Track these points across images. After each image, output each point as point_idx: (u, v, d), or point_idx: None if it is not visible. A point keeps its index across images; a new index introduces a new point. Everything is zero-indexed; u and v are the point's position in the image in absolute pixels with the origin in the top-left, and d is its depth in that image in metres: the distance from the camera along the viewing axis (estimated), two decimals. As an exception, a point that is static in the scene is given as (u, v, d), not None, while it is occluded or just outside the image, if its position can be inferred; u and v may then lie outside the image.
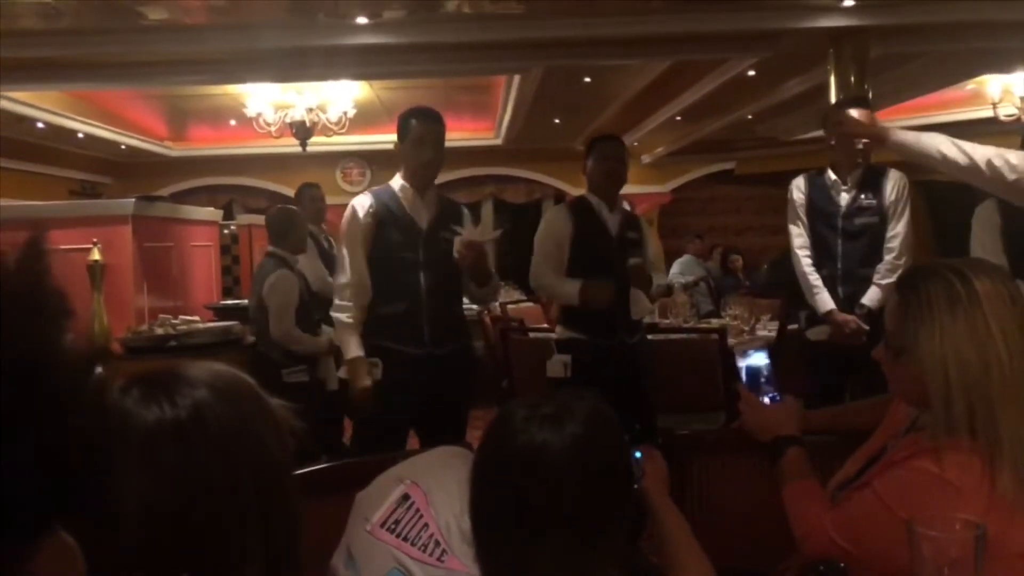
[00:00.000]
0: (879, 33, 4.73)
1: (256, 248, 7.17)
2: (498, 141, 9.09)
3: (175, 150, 9.21)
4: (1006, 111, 6.92)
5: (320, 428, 3.93)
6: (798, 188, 3.54)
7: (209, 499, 0.77)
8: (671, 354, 4.14)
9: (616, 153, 3.57)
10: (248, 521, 0.79)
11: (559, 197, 9.88)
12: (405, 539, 1.38)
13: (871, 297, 3.34)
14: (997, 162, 2.28)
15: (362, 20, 4.46)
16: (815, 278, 3.44)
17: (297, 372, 4.15)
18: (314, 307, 4.28)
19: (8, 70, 4.57)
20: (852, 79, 4.76)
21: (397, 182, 3.11)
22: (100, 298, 4.42)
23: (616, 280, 3.40)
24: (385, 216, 3.05)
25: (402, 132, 3.08)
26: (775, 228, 9.81)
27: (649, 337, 4.00)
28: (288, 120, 6.58)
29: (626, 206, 3.77)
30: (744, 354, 1.41)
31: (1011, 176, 2.27)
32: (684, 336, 4.59)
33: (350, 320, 3.04)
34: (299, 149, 6.91)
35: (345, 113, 6.66)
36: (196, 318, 4.97)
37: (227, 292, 7.05)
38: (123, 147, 8.40)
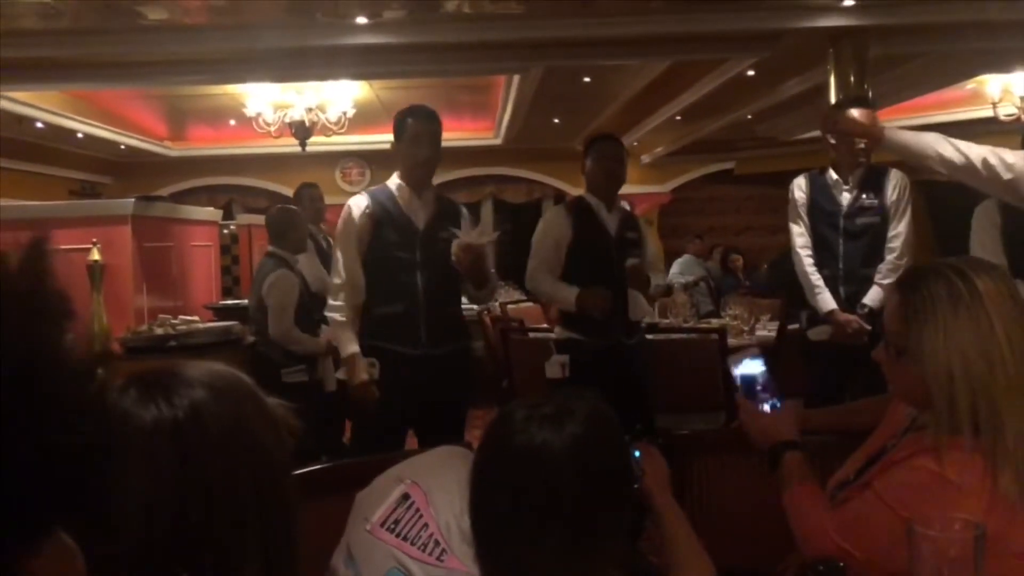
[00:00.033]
0: (879, 33, 4.72)
1: (256, 248, 7.17)
2: (498, 141, 9.09)
3: (175, 150, 9.20)
4: (1006, 111, 6.92)
5: (319, 428, 3.92)
6: (799, 188, 3.54)
7: (207, 499, 0.77)
8: (671, 354, 4.14)
9: (614, 153, 3.57)
10: (246, 521, 0.79)
11: (559, 197, 9.88)
12: (405, 539, 1.38)
13: (872, 297, 3.34)
14: (993, 160, 2.28)
15: (362, 20, 4.46)
16: (816, 278, 3.43)
17: (296, 372, 4.15)
18: (313, 307, 4.28)
19: (8, 70, 4.56)
20: (852, 79, 4.75)
21: (394, 182, 3.10)
22: (100, 298, 4.42)
23: (614, 281, 3.40)
24: (381, 216, 3.04)
25: (398, 131, 3.07)
26: (775, 228, 9.83)
27: (649, 337, 4.00)
28: (287, 120, 6.58)
29: (625, 206, 3.77)
30: (737, 362, 1.39)
31: (1007, 175, 2.27)
32: (684, 336, 4.59)
33: (343, 318, 3.04)
34: (299, 149, 6.91)
35: (344, 113, 6.66)
36: (196, 318, 4.97)
37: (227, 292, 7.05)
38: (123, 147, 8.40)
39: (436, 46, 4.86)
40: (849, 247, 3.42)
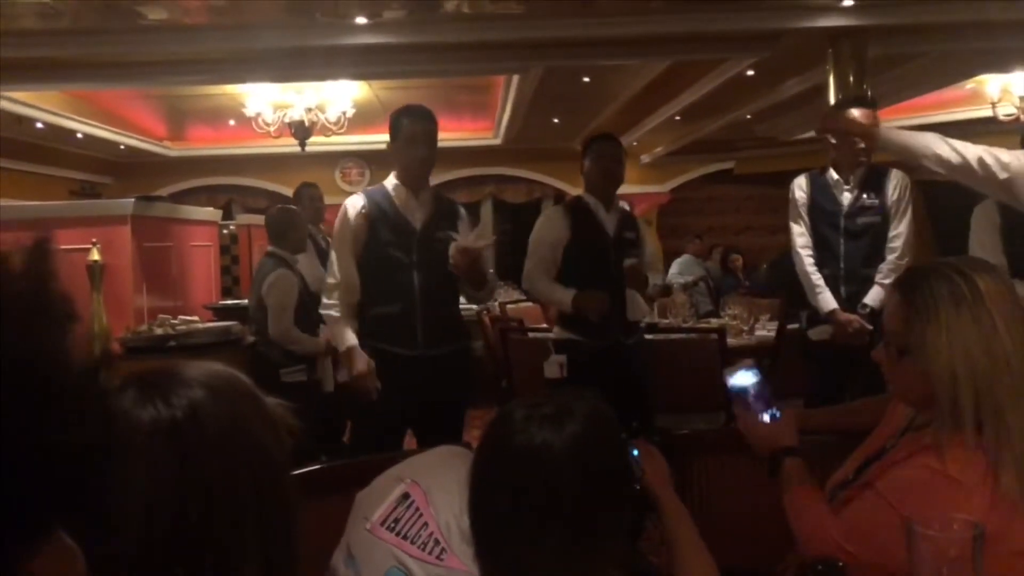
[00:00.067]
0: (878, 33, 4.73)
1: (255, 248, 7.17)
2: (497, 141, 9.09)
3: (174, 150, 9.20)
4: (1005, 111, 6.93)
5: (318, 428, 3.93)
6: (800, 187, 3.54)
7: (206, 499, 0.77)
8: (670, 354, 4.14)
9: (613, 152, 3.57)
10: (245, 521, 0.79)
11: (559, 197, 9.89)
12: (405, 538, 1.38)
13: (873, 297, 3.33)
14: (988, 160, 2.28)
15: (361, 20, 4.46)
16: (817, 277, 3.43)
17: (295, 372, 4.15)
18: (313, 307, 4.26)
19: (7, 70, 4.56)
20: (851, 79, 4.76)
21: (391, 182, 3.10)
22: (99, 298, 4.42)
23: (612, 281, 3.39)
24: (377, 216, 3.03)
25: (394, 131, 3.07)
26: (774, 228, 9.83)
27: (649, 337, 4.00)
28: (287, 120, 6.58)
29: (625, 206, 3.77)
30: (733, 374, 1.37)
31: (1003, 175, 2.27)
32: (683, 336, 4.59)
33: (338, 314, 3.04)
34: (298, 149, 6.91)
35: (344, 113, 6.66)
36: (195, 318, 4.97)
37: (226, 292, 7.05)
38: (122, 147, 8.40)
39: (436, 46, 4.86)
40: (850, 247, 3.42)
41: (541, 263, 3.50)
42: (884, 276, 3.34)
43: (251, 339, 4.43)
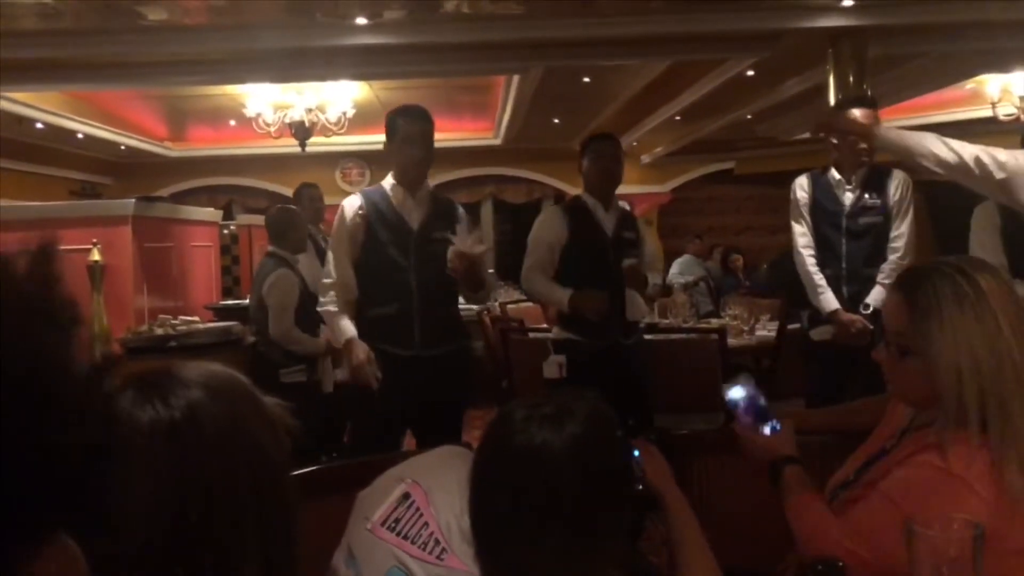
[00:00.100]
0: (878, 33, 4.73)
1: (256, 248, 7.17)
2: (498, 141, 9.09)
3: (175, 150, 9.21)
4: (1005, 111, 6.93)
5: (318, 428, 3.93)
6: (801, 187, 3.53)
7: (205, 499, 0.77)
8: (671, 354, 4.14)
9: (611, 152, 3.56)
10: (245, 521, 0.79)
11: (559, 197, 9.89)
12: (405, 537, 1.38)
13: (875, 297, 3.33)
14: (985, 159, 2.28)
15: (361, 20, 4.47)
16: (819, 277, 3.42)
17: (295, 372, 4.16)
18: (313, 308, 4.26)
19: (7, 70, 4.56)
20: (851, 79, 4.76)
21: (388, 182, 3.10)
22: (100, 298, 4.42)
23: (611, 281, 3.39)
24: (375, 216, 3.03)
25: (390, 132, 3.06)
26: (774, 228, 9.84)
27: (649, 337, 3.99)
28: (287, 120, 6.58)
29: (624, 206, 3.76)
30: (731, 389, 1.36)
31: (1000, 175, 2.27)
32: (684, 336, 4.59)
33: (336, 308, 3.04)
34: (298, 149, 6.92)
35: (344, 113, 6.67)
36: (196, 318, 4.97)
37: (227, 292, 7.05)
38: (123, 147, 8.40)
39: (436, 46, 4.87)
40: (852, 247, 3.42)
41: (539, 263, 3.50)
42: (886, 276, 3.34)
43: (251, 339, 4.43)
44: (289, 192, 6.23)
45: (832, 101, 4.77)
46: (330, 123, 6.67)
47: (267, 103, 6.55)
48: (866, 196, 3.41)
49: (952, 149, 2.32)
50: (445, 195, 3.40)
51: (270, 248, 4.34)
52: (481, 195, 10.43)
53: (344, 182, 9.76)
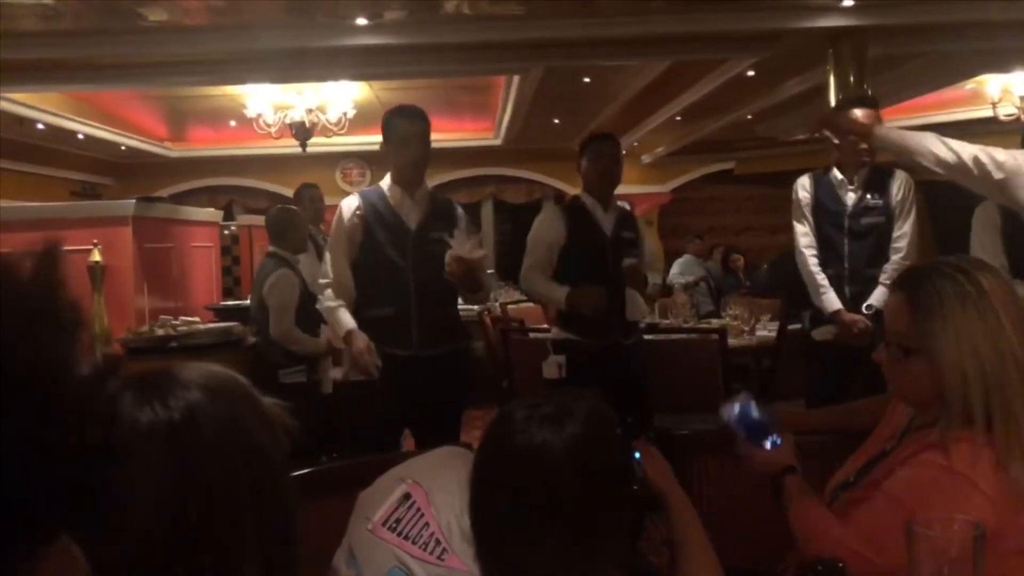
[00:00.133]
0: (878, 33, 4.73)
1: (256, 249, 7.18)
2: (498, 141, 9.10)
3: (175, 151, 9.21)
4: (1005, 111, 6.93)
5: (317, 429, 3.93)
6: (803, 187, 3.53)
7: (205, 500, 0.77)
8: (671, 354, 4.14)
9: (610, 152, 3.56)
10: (244, 521, 0.79)
11: (559, 197, 9.89)
12: (406, 538, 1.38)
13: (878, 297, 3.33)
14: (984, 159, 2.28)
15: (362, 21, 4.47)
16: (822, 277, 3.42)
17: (295, 373, 4.15)
18: (313, 308, 4.28)
19: (8, 71, 4.57)
20: (851, 79, 4.76)
21: (386, 182, 3.10)
22: (100, 299, 4.42)
23: (610, 281, 3.39)
24: (372, 217, 3.03)
25: (386, 132, 3.06)
26: (775, 228, 9.84)
27: (650, 337, 3.99)
28: (288, 121, 6.59)
29: (625, 206, 3.76)
30: (730, 410, 1.36)
31: (998, 175, 2.27)
32: (684, 336, 4.59)
33: (334, 303, 3.04)
34: (299, 150, 6.92)
35: (345, 114, 6.67)
36: (196, 319, 4.97)
37: (227, 293, 7.05)
38: (123, 148, 8.41)
39: (436, 47, 4.87)
40: (854, 247, 3.42)
41: (538, 263, 3.50)
42: (888, 277, 3.33)
43: (252, 340, 4.43)
44: (290, 193, 6.23)
45: (832, 101, 4.77)
46: (330, 123, 6.67)
47: (267, 103, 6.55)
48: (868, 197, 3.41)
49: (951, 149, 2.32)
50: (444, 195, 3.40)
51: (270, 248, 4.35)
52: (481, 195, 10.44)
53: (345, 182, 9.76)
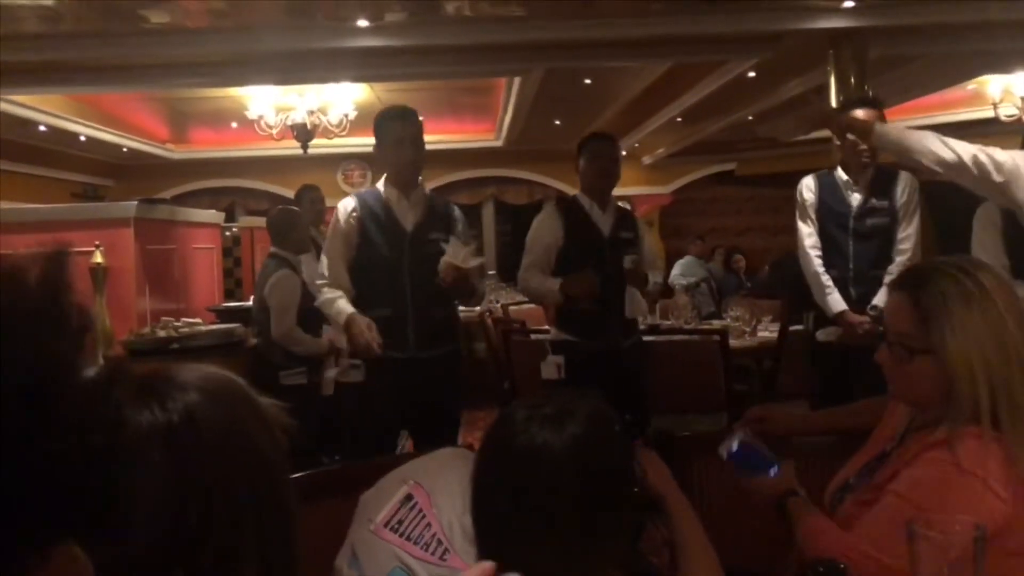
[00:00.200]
0: (879, 34, 4.73)
1: (258, 250, 7.17)
2: (499, 143, 9.09)
3: (177, 153, 9.22)
4: (1007, 111, 6.93)
5: (317, 430, 3.93)
6: (808, 188, 3.52)
7: (204, 501, 0.77)
8: (672, 355, 4.14)
9: (608, 152, 3.56)
10: (244, 522, 0.79)
11: (560, 198, 9.90)
12: (408, 538, 1.39)
13: (883, 298, 3.33)
14: (983, 159, 2.28)
15: (363, 22, 4.47)
16: (827, 278, 3.41)
17: (296, 374, 4.15)
18: (315, 308, 4.28)
19: (10, 73, 4.57)
20: (852, 80, 4.76)
21: (382, 184, 3.10)
22: (102, 301, 4.43)
23: (609, 281, 3.38)
24: (369, 218, 3.03)
25: (379, 135, 3.06)
26: (776, 229, 9.85)
27: (651, 338, 3.99)
28: (289, 122, 6.59)
29: (625, 206, 3.76)
30: (728, 448, 1.35)
31: (997, 177, 2.27)
32: (685, 337, 4.59)
33: (332, 294, 3.04)
34: (300, 151, 6.92)
35: (346, 115, 6.67)
36: (198, 320, 4.97)
37: (229, 294, 7.05)
38: (125, 150, 8.41)
39: (437, 48, 4.87)
40: (859, 248, 3.41)
41: (536, 263, 3.50)
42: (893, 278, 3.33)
43: (254, 341, 4.43)
44: (291, 194, 6.23)
45: (833, 102, 4.77)
46: (332, 125, 6.67)
47: (269, 105, 6.56)
48: (873, 198, 3.40)
49: (951, 148, 2.32)
50: (443, 197, 3.40)
51: (272, 249, 4.35)
52: (482, 196, 10.43)
53: (346, 184, 9.76)
